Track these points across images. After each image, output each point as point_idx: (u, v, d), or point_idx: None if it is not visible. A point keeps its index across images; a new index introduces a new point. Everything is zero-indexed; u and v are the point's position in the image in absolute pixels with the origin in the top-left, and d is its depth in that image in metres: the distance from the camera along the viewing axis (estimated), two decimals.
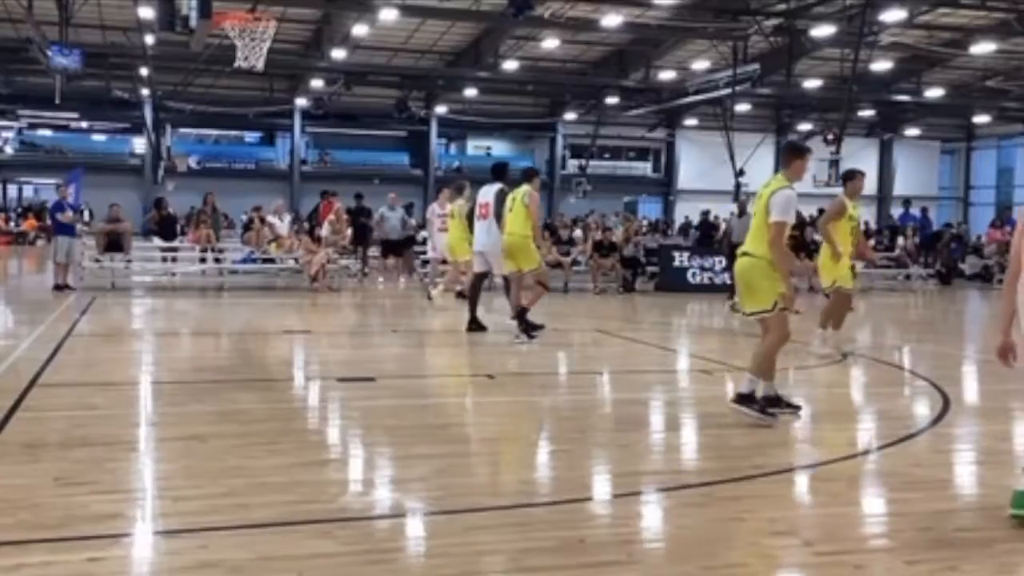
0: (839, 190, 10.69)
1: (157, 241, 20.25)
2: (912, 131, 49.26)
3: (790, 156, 7.02)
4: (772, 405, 6.79)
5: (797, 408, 6.94)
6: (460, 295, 14.89)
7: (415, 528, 4.55)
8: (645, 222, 37.20)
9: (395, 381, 8.59)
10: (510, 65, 38.00)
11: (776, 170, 7.86)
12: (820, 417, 7.61)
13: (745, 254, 6.85)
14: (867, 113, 44.79)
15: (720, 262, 19.35)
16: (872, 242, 27.90)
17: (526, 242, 10.83)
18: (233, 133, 49.66)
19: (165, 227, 20.41)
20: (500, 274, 11.64)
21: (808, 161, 7.05)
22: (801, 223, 25.17)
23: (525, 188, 10.95)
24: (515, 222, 10.82)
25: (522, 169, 12.14)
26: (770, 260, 6.67)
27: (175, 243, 20.36)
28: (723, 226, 23.68)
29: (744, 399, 6.70)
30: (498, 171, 12.11)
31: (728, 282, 18.87)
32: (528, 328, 10.86)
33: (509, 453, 6.18)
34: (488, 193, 11.63)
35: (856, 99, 35.00)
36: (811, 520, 4.72)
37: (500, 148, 51.52)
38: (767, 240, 6.66)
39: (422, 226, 21.52)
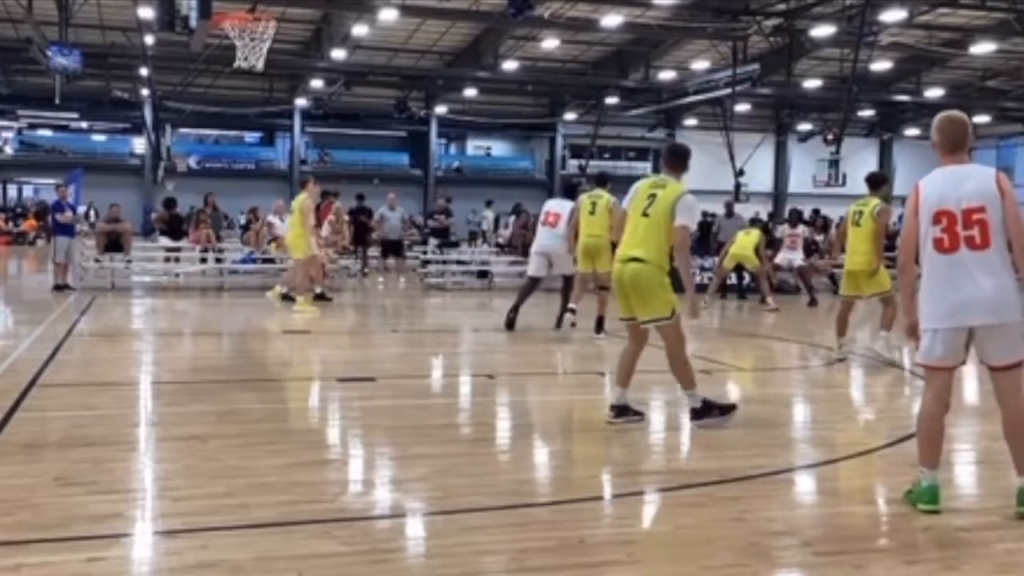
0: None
1: (164, 240, 20.24)
2: (912, 131, 49.28)
3: (681, 159, 6.85)
4: (621, 415, 6.67)
5: (640, 416, 6.76)
6: (287, 297, 14.61)
7: (415, 528, 4.55)
8: None
9: (395, 381, 8.58)
10: (510, 65, 38.00)
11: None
12: (820, 417, 7.62)
13: (634, 259, 6.49)
14: (867, 113, 44.82)
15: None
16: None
17: (607, 245, 11.19)
18: (233, 133, 49.68)
19: (174, 227, 20.42)
20: (564, 273, 12.10)
21: None
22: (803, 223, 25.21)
23: (608, 196, 11.41)
24: (600, 225, 11.16)
25: (598, 175, 12.62)
26: (662, 265, 6.50)
27: (180, 243, 20.35)
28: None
29: (699, 413, 6.56)
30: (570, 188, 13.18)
31: (731, 282, 18.89)
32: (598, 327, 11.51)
33: (509, 453, 6.17)
34: (563, 206, 12.20)
35: (856, 99, 35.01)
36: (811, 520, 4.72)
37: (500, 148, 51.55)
38: (665, 244, 6.47)
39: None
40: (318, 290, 15.07)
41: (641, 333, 6.74)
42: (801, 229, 19.33)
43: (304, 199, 14.25)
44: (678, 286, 6.57)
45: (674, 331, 6.56)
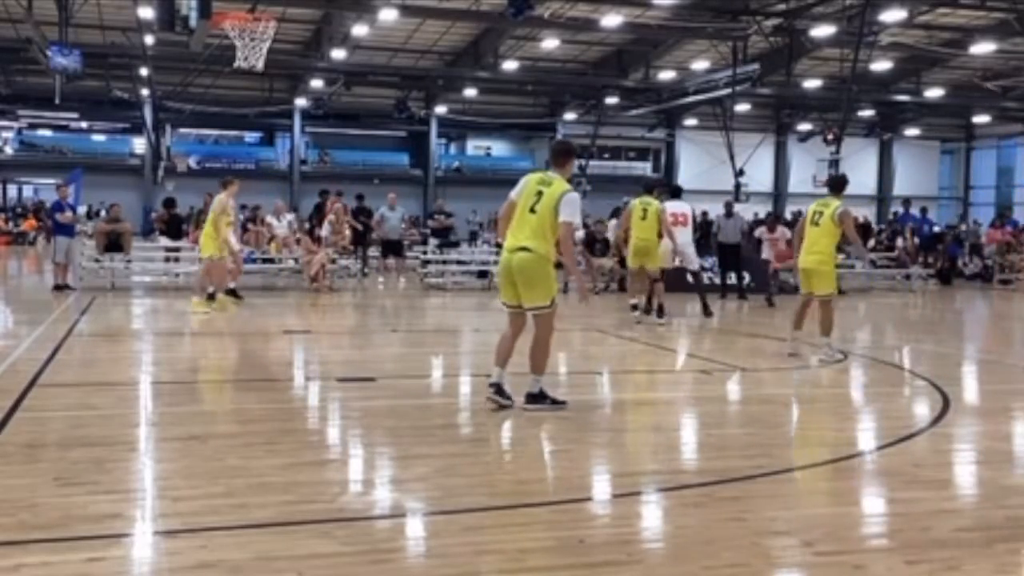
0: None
1: (164, 240, 20.25)
2: (912, 131, 49.29)
3: (567, 156, 7.29)
4: (499, 393, 7.06)
5: (510, 401, 7.12)
6: (211, 296, 14.49)
7: (415, 528, 4.54)
8: None
9: (395, 381, 8.58)
10: (510, 65, 38.01)
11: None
12: (820, 417, 7.62)
13: (522, 249, 6.88)
14: (867, 113, 44.81)
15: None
16: (872, 242, 27.99)
17: (656, 246, 13.15)
18: (233, 133, 49.69)
19: (173, 227, 20.43)
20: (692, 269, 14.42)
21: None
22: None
23: (657, 204, 13.26)
24: (650, 228, 13.06)
25: (649, 184, 14.55)
26: (548, 256, 6.90)
27: (180, 243, 20.35)
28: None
29: (534, 398, 6.97)
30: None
31: (716, 281, 18.89)
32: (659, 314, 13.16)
33: (509, 453, 6.18)
34: (683, 206, 14.45)
35: (856, 99, 35.01)
36: (811, 520, 4.72)
37: (500, 148, 51.55)
38: (551, 238, 6.88)
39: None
40: (211, 290, 14.82)
41: (522, 319, 7.14)
42: (780, 232, 19.32)
43: (221, 198, 14.23)
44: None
45: (549, 319, 7.01)
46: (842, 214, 9.86)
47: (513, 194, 7.12)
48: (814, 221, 10.01)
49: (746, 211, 30.20)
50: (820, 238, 9.93)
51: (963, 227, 26.27)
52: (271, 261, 19.26)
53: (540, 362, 7.01)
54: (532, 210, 6.89)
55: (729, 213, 19.17)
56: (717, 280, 19.35)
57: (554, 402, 7.00)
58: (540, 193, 6.91)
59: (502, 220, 7.33)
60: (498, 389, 7.08)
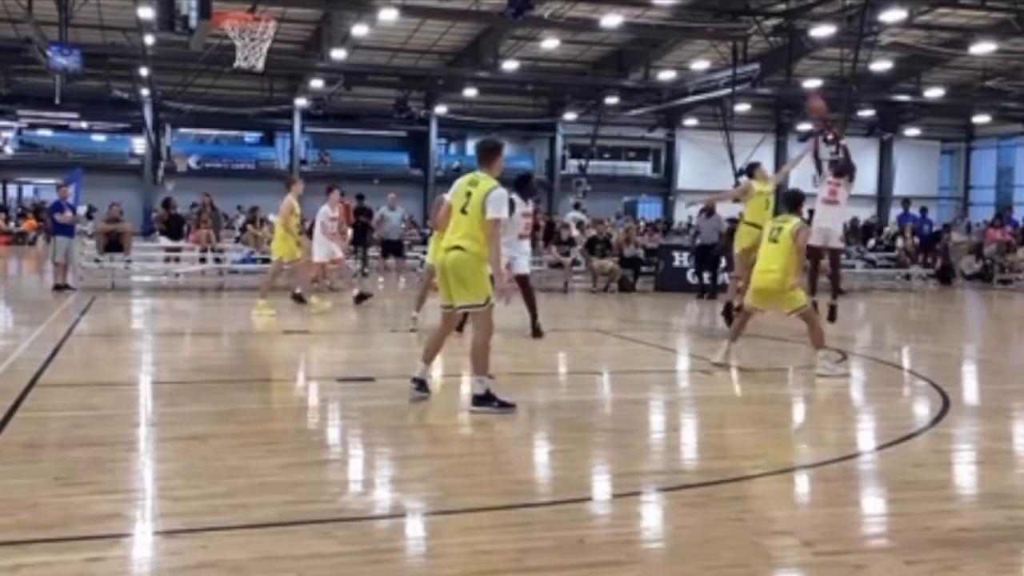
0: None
1: (164, 240, 20.24)
2: (912, 131, 49.28)
3: (492, 154, 7.28)
4: (421, 388, 7.21)
5: (427, 395, 7.25)
6: (297, 297, 14.70)
7: (415, 528, 4.55)
8: (643, 223, 37.19)
9: (395, 381, 8.57)
10: (510, 65, 38.00)
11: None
12: (820, 417, 7.62)
13: (456, 248, 6.99)
14: (867, 113, 44.79)
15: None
16: (872, 242, 27.98)
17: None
18: (233, 133, 49.68)
19: (173, 226, 20.42)
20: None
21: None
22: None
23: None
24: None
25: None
26: (480, 255, 6.94)
27: (180, 243, 20.35)
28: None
29: (479, 400, 6.92)
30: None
31: (705, 282, 18.68)
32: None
33: (509, 453, 6.17)
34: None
35: (856, 99, 34.99)
36: (811, 520, 4.72)
37: None
38: (483, 236, 6.92)
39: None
40: (298, 290, 15.00)
41: (453, 319, 7.40)
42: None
43: (289, 199, 14.26)
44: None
45: (485, 319, 7.03)
46: (800, 230, 9.47)
47: (448, 196, 7.29)
48: (772, 238, 9.58)
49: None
50: (777, 256, 9.44)
51: (985, 241, 26.00)
52: (270, 261, 19.21)
53: (480, 363, 6.97)
54: (463, 211, 7.03)
55: (710, 213, 18.93)
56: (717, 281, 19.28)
57: (502, 404, 6.89)
58: (469, 194, 7.03)
59: (439, 221, 7.58)
60: (420, 385, 7.23)
